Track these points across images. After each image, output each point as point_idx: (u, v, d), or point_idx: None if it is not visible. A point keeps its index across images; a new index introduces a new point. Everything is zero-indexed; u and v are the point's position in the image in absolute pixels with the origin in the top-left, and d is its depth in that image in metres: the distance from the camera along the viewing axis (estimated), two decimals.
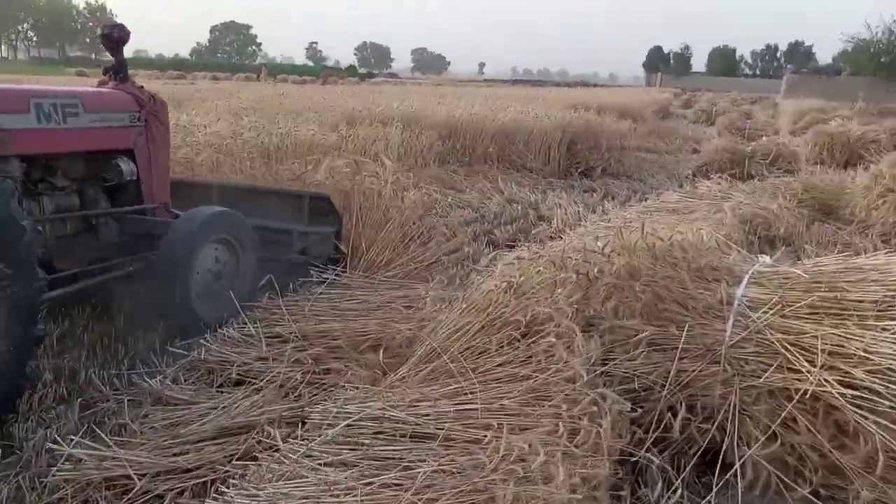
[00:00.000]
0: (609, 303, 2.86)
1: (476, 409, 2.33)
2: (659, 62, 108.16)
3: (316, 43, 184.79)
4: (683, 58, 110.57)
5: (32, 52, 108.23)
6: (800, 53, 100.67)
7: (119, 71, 4.14)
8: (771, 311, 2.68)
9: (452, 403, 2.40)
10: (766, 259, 3.21)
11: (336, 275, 4.37)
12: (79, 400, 2.98)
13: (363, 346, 3.28)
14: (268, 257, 4.18)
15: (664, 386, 2.62)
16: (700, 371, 2.63)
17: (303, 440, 2.35)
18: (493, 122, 10.46)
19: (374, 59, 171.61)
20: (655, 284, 2.85)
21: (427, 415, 2.34)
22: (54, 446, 2.51)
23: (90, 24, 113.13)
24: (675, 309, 2.77)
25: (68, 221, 3.74)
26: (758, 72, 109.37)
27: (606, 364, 2.67)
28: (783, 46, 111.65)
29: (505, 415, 2.31)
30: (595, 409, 2.33)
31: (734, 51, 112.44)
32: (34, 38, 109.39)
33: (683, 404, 2.57)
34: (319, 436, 2.33)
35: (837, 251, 6.68)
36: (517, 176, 9.99)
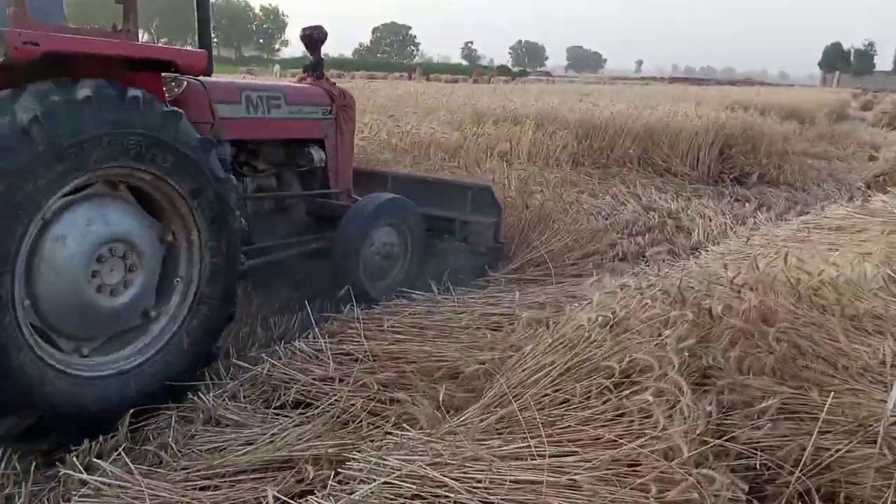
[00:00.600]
0: (733, 352, 2.26)
1: (540, 483, 1.84)
2: (837, 60, 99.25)
3: (471, 42, 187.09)
4: (866, 55, 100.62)
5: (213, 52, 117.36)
6: None
7: (316, 68, 4.61)
8: None
9: (513, 468, 1.94)
10: None
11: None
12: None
13: (437, 374, 2.88)
14: (433, 243, 4.61)
15: (797, 466, 2.00)
16: (847, 451, 1.98)
17: (330, 495, 1.97)
18: (635, 122, 9.68)
19: (527, 58, 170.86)
20: (796, 333, 2.22)
21: (478, 481, 1.89)
22: (71, 472, 2.30)
23: (264, 25, 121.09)
24: (820, 367, 2.14)
25: (265, 201, 4.19)
26: None
27: (721, 432, 2.08)
28: None
29: (575, 494, 1.81)
30: (696, 496, 1.78)
31: None
32: (214, 39, 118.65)
33: (821, 492, 1.95)
34: (350, 492, 1.94)
35: None
36: (659, 181, 9.17)
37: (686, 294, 2.57)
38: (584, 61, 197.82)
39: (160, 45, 3.94)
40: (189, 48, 3.54)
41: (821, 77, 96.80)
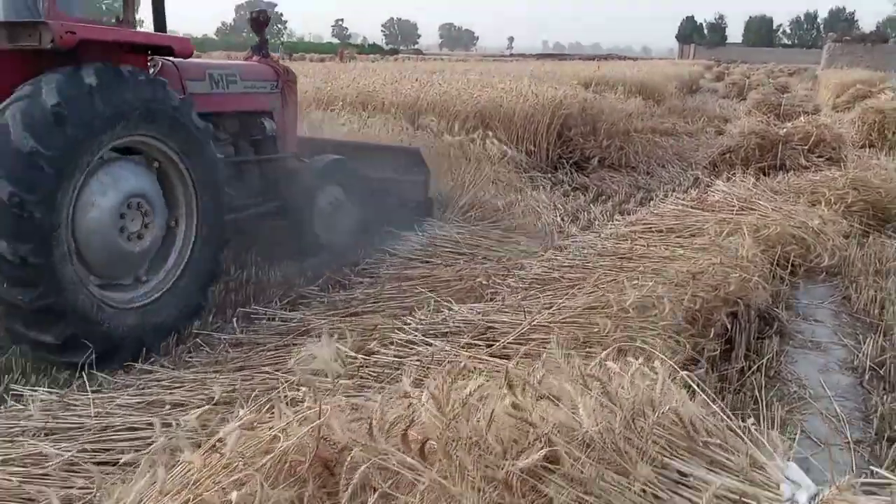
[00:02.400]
0: None
1: None
2: (692, 33, 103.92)
3: (342, 20, 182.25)
4: (718, 28, 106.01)
5: None
6: (841, 21, 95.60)
7: (262, 48, 5.18)
8: None
9: None
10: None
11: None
12: None
13: None
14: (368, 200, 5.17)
15: None
16: None
17: None
18: (465, 103, 8.59)
19: (400, 36, 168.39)
20: None
21: None
22: None
23: (116, 4, 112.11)
24: None
25: (229, 166, 4.33)
26: (796, 41, 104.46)
27: None
28: (823, 14, 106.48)
29: None
30: None
31: (771, 20, 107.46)
32: None
33: None
34: None
35: None
36: (495, 168, 8.13)
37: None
38: (456, 40, 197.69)
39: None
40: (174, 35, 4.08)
41: (678, 50, 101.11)
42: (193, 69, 4.31)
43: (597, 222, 6.03)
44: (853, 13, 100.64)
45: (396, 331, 2.85)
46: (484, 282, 3.76)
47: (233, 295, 4.19)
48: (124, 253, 3.36)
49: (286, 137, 5.12)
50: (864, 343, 3.70)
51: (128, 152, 3.44)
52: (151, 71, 3.92)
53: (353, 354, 2.56)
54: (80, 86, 3.09)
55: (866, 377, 3.40)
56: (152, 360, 3.32)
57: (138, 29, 3.82)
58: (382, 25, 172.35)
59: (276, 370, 2.81)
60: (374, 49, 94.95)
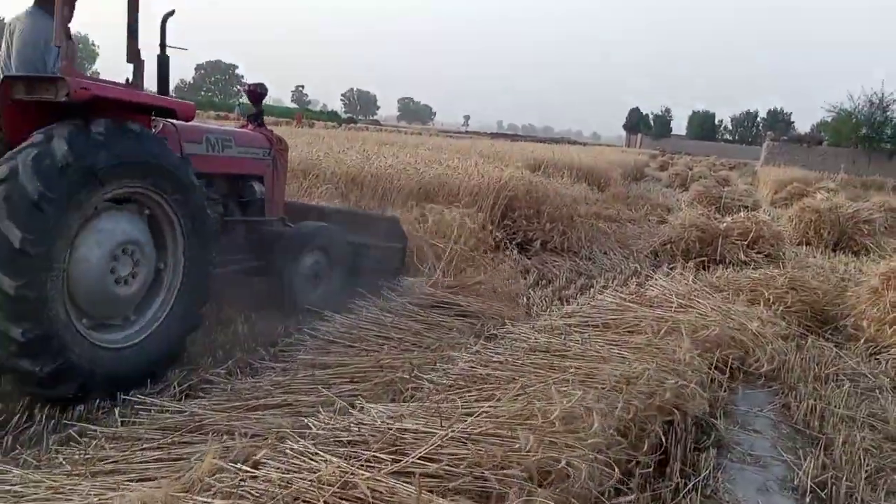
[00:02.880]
0: None
1: None
2: (639, 123, 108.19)
3: (302, 86, 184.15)
4: (664, 120, 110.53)
5: None
6: (779, 121, 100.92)
7: (258, 118, 5.59)
8: None
9: None
10: None
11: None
12: None
13: None
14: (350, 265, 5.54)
15: None
16: None
17: None
18: (410, 177, 8.43)
19: (359, 106, 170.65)
20: None
21: None
22: None
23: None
24: None
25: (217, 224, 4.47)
26: (737, 137, 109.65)
27: None
28: (763, 113, 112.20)
29: None
30: None
31: (713, 116, 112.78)
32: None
33: None
34: None
35: (845, 393, 4.66)
36: (437, 249, 7.92)
37: None
38: (414, 113, 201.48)
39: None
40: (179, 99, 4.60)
41: (626, 138, 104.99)
42: (192, 132, 4.66)
43: (535, 308, 5.81)
44: (790, 114, 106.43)
45: (295, 435, 2.50)
46: (405, 376, 3.45)
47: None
48: (113, 295, 3.61)
49: (274, 201, 5.42)
50: (805, 460, 3.49)
51: (121, 202, 3.66)
52: (154, 130, 4.14)
53: (235, 467, 2.20)
54: (89, 138, 3.37)
55: (807, 500, 3.17)
56: (16, 450, 2.90)
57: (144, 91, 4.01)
58: (342, 95, 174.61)
59: (150, 477, 2.42)
60: (332, 117, 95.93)
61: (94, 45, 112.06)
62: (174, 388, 3.61)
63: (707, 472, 3.26)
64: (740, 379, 4.44)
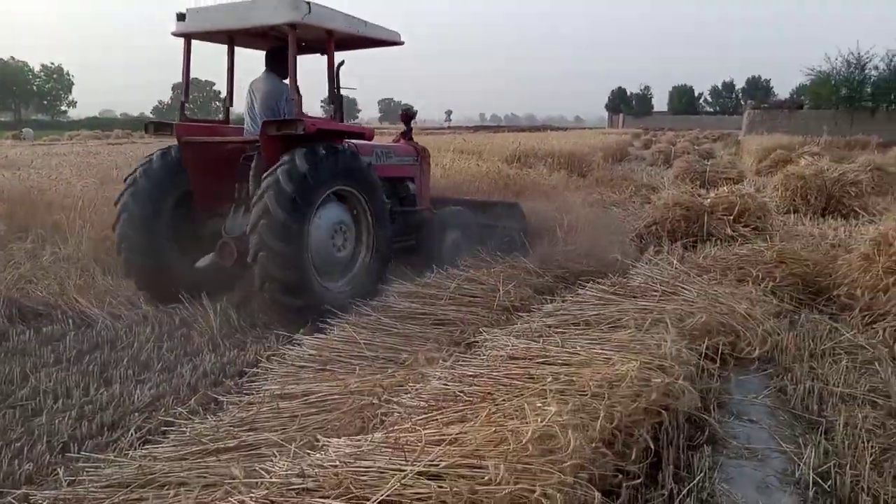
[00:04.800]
0: None
1: None
2: (621, 103, 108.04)
3: None
4: (644, 98, 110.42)
5: None
6: (758, 89, 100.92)
7: (408, 134, 7.60)
8: None
9: None
10: None
11: None
12: None
13: None
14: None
15: None
16: None
17: None
18: None
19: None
20: None
21: None
22: None
23: (47, 86, 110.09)
24: None
25: None
26: (718, 109, 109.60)
27: None
28: (741, 83, 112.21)
29: None
30: None
31: (692, 89, 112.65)
32: None
33: None
34: None
35: (843, 369, 4.47)
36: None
37: None
38: (396, 113, 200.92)
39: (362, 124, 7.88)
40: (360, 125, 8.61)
41: (608, 119, 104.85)
42: (366, 148, 6.30)
43: (516, 308, 5.58)
44: (769, 80, 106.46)
45: (246, 486, 2.29)
46: (375, 401, 3.23)
47: (84, 424, 3.53)
48: (334, 257, 5.50)
49: (421, 195, 7.14)
50: (805, 448, 3.29)
51: (333, 196, 5.49)
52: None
53: None
54: (317, 157, 5.18)
55: (810, 493, 2.97)
56: None
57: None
58: (322, 101, 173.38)
59: None
60: None
61: (69, 74, 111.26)
62: (132, 434, 3.39)
63: (702, 473, 3.06)
64: (732, 366, 4.24)
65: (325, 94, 6.08)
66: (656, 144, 32.96)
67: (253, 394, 3.75)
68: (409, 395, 3.28)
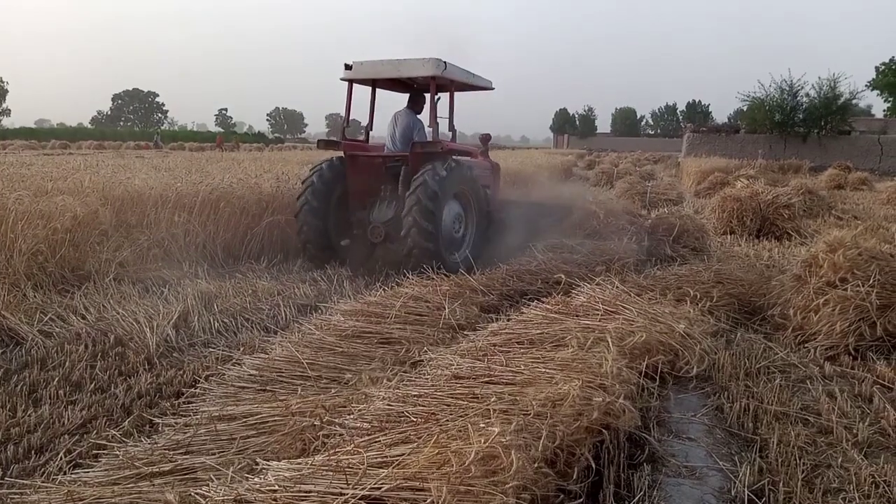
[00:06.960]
0: None
1: None
2: (565, 124, 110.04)
3: (226, 109, 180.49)
4: (588, 119, 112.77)
5: None
6: (697, 112, 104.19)
7: (485, 151, 9.80)
8: None
9: None
10: None
11: None
12: None
13: None
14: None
15: None
16: None
17: None
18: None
19: (286, 125, 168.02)
20: None
21: None
22: None
23: None
24: None
25: None
26: (659, 131, 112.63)
27: None
28: (681, 106, 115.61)
29: None
30: None
31: (635, 111, 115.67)
32: None
33: None
34: None
35: (777, 387, 4.61)
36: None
37: None
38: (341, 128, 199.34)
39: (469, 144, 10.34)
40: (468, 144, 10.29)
41: (553, 139, 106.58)
42: (471, 162, 8.61)
43: (461, 327, 5.60)
44: (708, 105, 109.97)
45: None
46: (317, 423, 3.18)
47: (10, 448, 3.36)
48: (455, 237, 7.82)
49: (495, 199, 9.02)
50: (741, 466, 3.37)
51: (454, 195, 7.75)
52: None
53: None
54: (448, 167, 7.42)
55: None
56: None
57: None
58: (268, 115, 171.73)
59: None
60: (258, 138, 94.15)
61: (2, 81, 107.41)
62: (61, 457, 3.25)
63: (642, 492, 3.10)
64: (671, 384, 4.32)
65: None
66: (599, 165, 33.63)
67: (190, 415, 3.64)
68: (352, 416, 3.23)
